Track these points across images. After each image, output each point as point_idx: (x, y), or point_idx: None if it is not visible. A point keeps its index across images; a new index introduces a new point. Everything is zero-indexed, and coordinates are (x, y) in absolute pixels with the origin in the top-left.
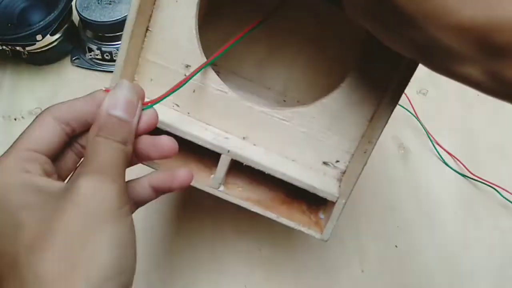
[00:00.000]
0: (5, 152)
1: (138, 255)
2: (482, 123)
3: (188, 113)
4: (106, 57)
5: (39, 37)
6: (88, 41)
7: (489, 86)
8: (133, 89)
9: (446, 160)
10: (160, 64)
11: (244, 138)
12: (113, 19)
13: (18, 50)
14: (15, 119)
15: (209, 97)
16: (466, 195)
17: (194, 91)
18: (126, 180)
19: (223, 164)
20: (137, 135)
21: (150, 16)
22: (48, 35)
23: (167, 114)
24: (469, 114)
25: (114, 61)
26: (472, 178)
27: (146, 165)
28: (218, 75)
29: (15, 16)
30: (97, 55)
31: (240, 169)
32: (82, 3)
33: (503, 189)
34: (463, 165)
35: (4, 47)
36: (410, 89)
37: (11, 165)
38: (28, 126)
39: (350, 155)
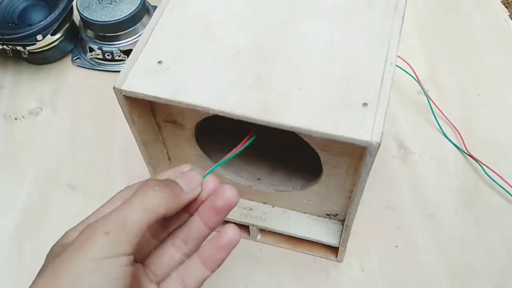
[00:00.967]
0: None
1: None
2: (482, 123)
3: None
4: (107, 57)
5: (39, 37)
6: (89, 41)
7: None
8: (200, 174)
9: (446, 161)
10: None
11: (264, 203)
12: (114, 19)
13: (19, 50)
14: (15, 119)
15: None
16: (467, 195)
17: None
18: None
19: (253, 229)
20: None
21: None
22: (49, 35)
23: None
24: (469, 114)
25: (115, 60)
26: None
27: None
28: None
29: (16, 15)
30: (98, 54)
31: None
32: (83, 2)
33: (507, 182)
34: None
35: (4, 46)
36: (410, 89)
37: (70, 234)
38: (102, 205)
39: (344, 211)
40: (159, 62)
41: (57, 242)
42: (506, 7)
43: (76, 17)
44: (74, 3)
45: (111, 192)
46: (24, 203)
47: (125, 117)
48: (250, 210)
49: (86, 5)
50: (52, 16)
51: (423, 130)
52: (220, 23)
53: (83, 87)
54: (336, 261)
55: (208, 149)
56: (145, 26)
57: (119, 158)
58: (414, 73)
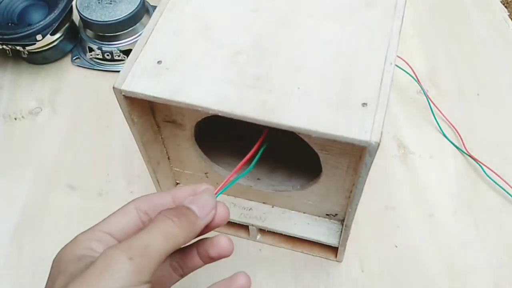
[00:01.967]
0: (89, 228)
1: None
2: (481, 123)
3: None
4: (107, 57)
5: (39, 36)
6: (88, 41)
7: None
8: (213, 196)
9: (445, 161)
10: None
11: (264, 203)
12: (114, 18)
13: (18, 50)
14: (15, 119)
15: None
16: (466, 195)
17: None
18: None
19: (253, 229)
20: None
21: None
22: (49, 35)
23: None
24: (469, 114)
25: (115, 60)
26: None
27: None
28: None
29: (16, 15)
30: (97, 54)
31: None
32: (82, 2)
33: (506, 182)
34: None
35: (4, 46)
36: (410, 89)
37: (82, 240)
38: (114, 212)
39: (343, 211)
40: (159, 62)
41: (66, 247)
42: (506, 7)
43: (75, 17)
44: (73, 3)
45: (111, 192)
46: (24, 203)
47: (125, 117)
48: (249, 210)
49: (86, 5)
50: (52, 16)
51: (423, 130)
52: (219, 23)
53: (82, 87)
54: (336, 261)
55: (208, 149)
56: (144, 26)
57: (118, 158)
58: (414, 73)
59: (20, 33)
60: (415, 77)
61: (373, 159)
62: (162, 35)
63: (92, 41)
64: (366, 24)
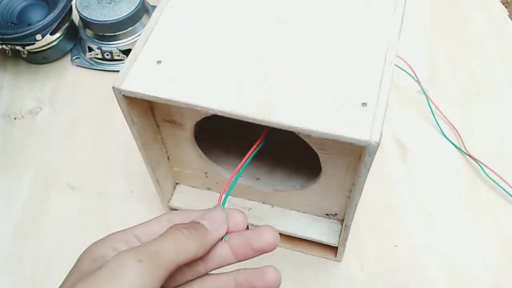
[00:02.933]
0: (123, 229)
1: None
2: (481, 123)
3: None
4: (106, 56)
5: (38, 36)
6: (88, 41)
7: None
8: (223, 210)
9: (445, 161)
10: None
11: (264, 202)
12: (113, 18)
13: (18, 50)
14: (15, 119)
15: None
16: (466, 195)
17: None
18: None
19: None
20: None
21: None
22: (48, 35)
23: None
24: (469, 114)
25: (114, 60)
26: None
27: None
28: None
29: (15, 15)
30: (97, 54)
31: None
32: (82, 2)
33: (506, 183)
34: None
35: (4, 46)
36: (410, 89)
37: (112, 239)
38: (149, 220)
39: (343, 210)
40: (158, 61)
41: (95, 243)
42: (505, 6)
43: (75, 17)
44: (73, 2)
45: (111, 192)
46: (24, 202)
47: (124, 117)
48: (249, 209)
49: (86, 4)
50: (51, 15)
51: (423, 130)
52: (219, 22)
53: (82, 87)
54: (335, 260)
55: (207, 149)
56: (144, 26)
57: (118, 158)
58: (414, 73)
59: (20, 32)
60: (415, 77)
61: (373, 159)
62: (162, 35)
63: (91, 41)
64: (366, 24)
